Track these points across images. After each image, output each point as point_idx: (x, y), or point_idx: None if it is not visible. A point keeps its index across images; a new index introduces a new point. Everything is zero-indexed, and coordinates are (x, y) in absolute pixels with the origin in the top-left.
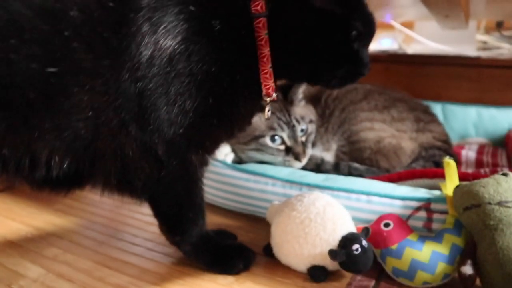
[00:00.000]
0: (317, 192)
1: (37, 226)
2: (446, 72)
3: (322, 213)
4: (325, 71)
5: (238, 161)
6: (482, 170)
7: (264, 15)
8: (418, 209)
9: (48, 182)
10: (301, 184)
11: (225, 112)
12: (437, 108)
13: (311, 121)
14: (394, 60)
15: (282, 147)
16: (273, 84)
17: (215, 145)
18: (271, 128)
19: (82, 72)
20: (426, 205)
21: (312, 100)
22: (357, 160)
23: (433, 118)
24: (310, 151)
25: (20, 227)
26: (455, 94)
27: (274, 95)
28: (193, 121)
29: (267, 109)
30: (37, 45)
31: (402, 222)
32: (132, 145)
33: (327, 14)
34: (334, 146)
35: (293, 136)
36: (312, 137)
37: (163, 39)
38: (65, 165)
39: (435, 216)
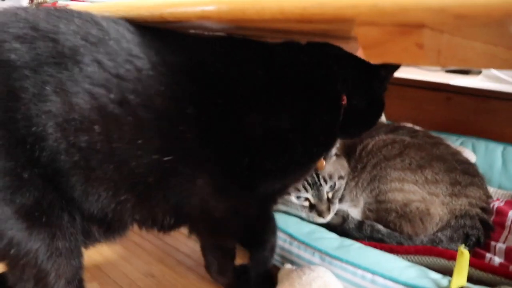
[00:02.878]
0: (320, 269)
1: None
2: None
3: None
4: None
5: None
6: None
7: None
8: None
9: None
10: (314, 249)
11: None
12: (497, 150)
13: (340, 177)
14: (457, 91)
15: (307, 203)
16: None
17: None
18: (297, 188)
19: (193, 156)
20: None
21: (348, 150)
22: (382, 220)
23: (473, 181)
24: (336, 207)
25: None
26: None
27: None
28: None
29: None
30: (158, 140)
31: None
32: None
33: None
34: (362, 203)
35: (318, 196)
36: (339, 193)
37: (274, 118)
38: (172, 221)
39: None
